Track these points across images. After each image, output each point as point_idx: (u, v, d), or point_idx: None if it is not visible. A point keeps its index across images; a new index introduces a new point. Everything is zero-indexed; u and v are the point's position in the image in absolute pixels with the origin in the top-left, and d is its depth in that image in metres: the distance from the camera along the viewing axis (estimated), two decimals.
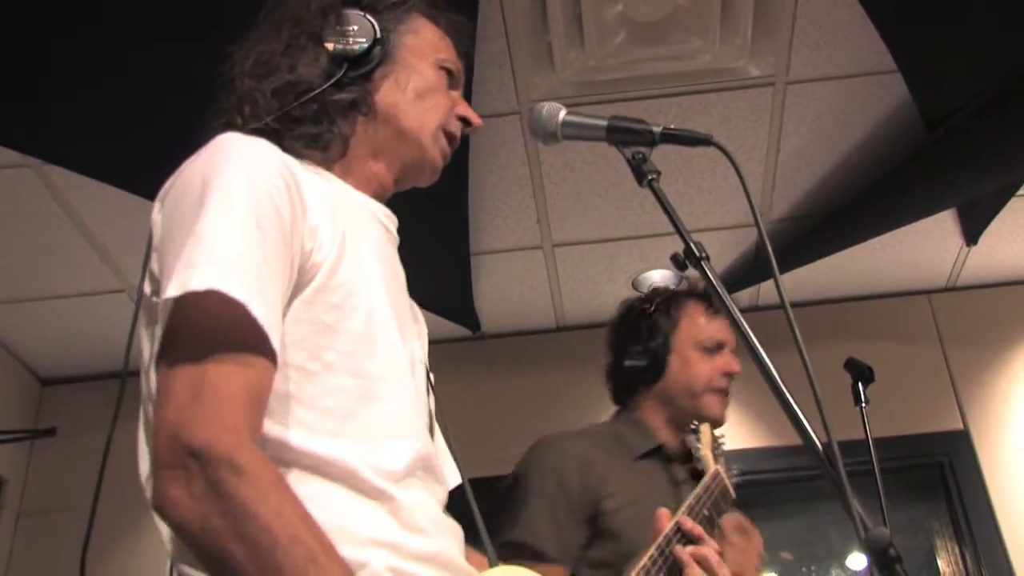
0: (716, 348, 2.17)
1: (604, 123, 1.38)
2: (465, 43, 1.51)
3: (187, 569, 1.02)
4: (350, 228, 1.21)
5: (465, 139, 1.50)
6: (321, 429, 1.08)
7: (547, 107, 1.44)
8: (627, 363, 2.18)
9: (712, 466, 1.91)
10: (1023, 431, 3.83)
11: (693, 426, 2.02)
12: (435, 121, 1.40)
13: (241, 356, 1.01)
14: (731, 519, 1.99)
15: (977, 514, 3.67)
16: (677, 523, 1.63)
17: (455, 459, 1.41)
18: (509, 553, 1.82)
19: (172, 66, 2.55)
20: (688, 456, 2.04)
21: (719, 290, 1.19)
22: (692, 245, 1.23)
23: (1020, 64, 2.79)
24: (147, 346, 1.11)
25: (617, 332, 2.26)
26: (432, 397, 1.35)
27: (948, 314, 4.10)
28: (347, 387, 1.12)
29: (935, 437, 3.84)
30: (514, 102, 3.01)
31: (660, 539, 1.61)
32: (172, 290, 1.00)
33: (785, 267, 3.72)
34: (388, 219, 1.37)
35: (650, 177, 1.31)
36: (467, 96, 1.72)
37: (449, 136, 1.43)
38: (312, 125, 1.31)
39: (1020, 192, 3.52)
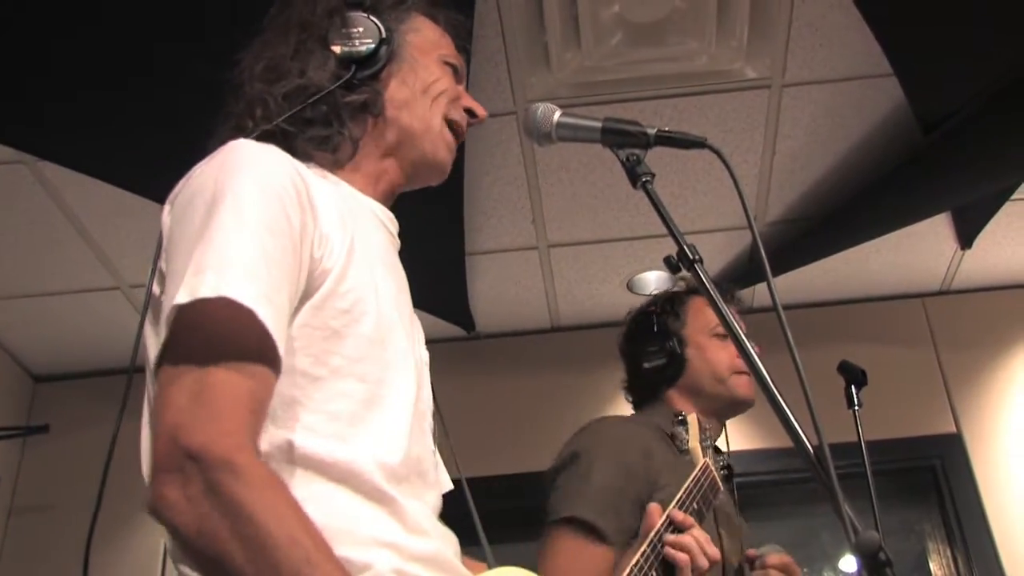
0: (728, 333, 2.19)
1: (599, 125, 1.38)
2: (463, 39, 1.52)
3: (187, 570, 1.02)
4: (358, 233, 1.22)
5: None
6: (326, 433, 1.08)
7: (542, 108, 1.44)
8: (646, 365, 2.18)
9: (701, 458, 1.90)
10: (1016, 435, 3.84)
11: (680, 417, 2.01)
12: (442, 113, 1.41)
13: (244, 361, 1.01)
14: (776, 557, 2.00)
15: (969, 517, 3.68)
16: (668, 516, 1.65)
17: (455, 460, 1.41)
18: (565, 529, 1.82)
19: (170, 66, 2.55)
20: (717, 450, 2.05)
21: (712, 293, 1.19)
22: (686, 247, 1.23)
23: (1015, 68, 2.80)
24: (153, 346, 1.11)
25: (629, 341, 2.27)
26: (434, 400, 1.35)
27: (942, 318, 4.11)
28: (353, 392, 1.12)
29: (928, 440, 3.85)
30: (510, 102, 3.01)
31: (652, 534, 1.62)
32: (182, 296, 1.00)
33: (779, 269, 3.73)
34: (391, 223, 1.38)
35: (644, 179, 1.31)
36: None
37: (456, 128, 1.44)
38: (323, 127, 1.32)
39: (1015, 196, 3.52)
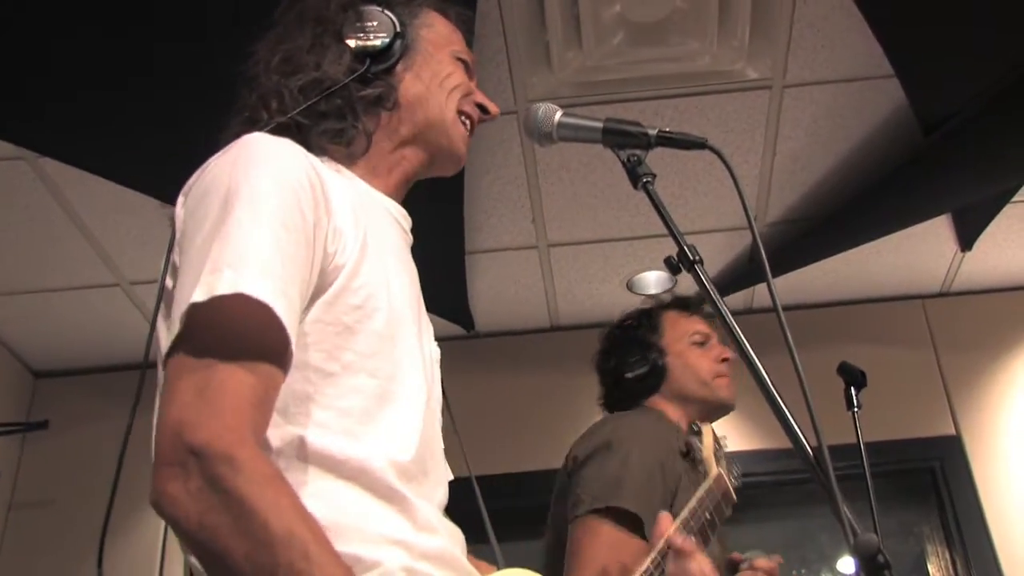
0: (705, 340, 2.25)
1: (600, 125, 1.39)
2: (469, 36, 1.53)
3: (195, 562, 1.02)
4: (371, 229, 1.22)
5: None
6: (338, 429, 1.08)
7: (543, 108, 1.44)
8: (628, 375, 2.22)
9: (714, 468, 1.90)
10: (1015, 437, 3.84)
11: (696, 428, 2.02)
12: (455, 107, 1.42)
13: (255, 357, 1.01)
14: (764, 561, 1.99)
15: (968, 519, 3.68)
16: (667, 541, 1.61)
17: (465, 459, 1.41)
18: (606, 519, 1.81)
19: (170, 63, 2.55)
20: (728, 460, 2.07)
21: (712, 293, 1.19)
22: (686, 248, 1.23)
23: (1016, 69, 2.80)
24: (165, 339, 1.11)
25: (608, 355, 2.31)
26: (445, 397, 1.36)
27: (942, 319, 4.11)
28: (365, 387, 1.12)
29: (927, 442, 3.85)
30: (511, 102, 3.01)
31: (655, 554, 1.59)
32: (199, 294, 0.99)
33: (779, 270, 3.73)
34: (404, 219, 1.38)
35: (645, 179, 1.31)
36: None
37: (468, 121, 1.45)
38: (337, 120, 1.33)
39: (1015, 198, 3.52)
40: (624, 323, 2.33)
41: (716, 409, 2.23)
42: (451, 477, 1.36)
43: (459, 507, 1.27)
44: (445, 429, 1.30)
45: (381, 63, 1.36)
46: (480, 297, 3.96)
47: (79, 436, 3.91)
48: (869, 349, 3.87)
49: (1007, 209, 3.58)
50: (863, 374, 2.36)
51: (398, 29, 1.38)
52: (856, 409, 2.33)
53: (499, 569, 1.33)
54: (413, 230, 1.40)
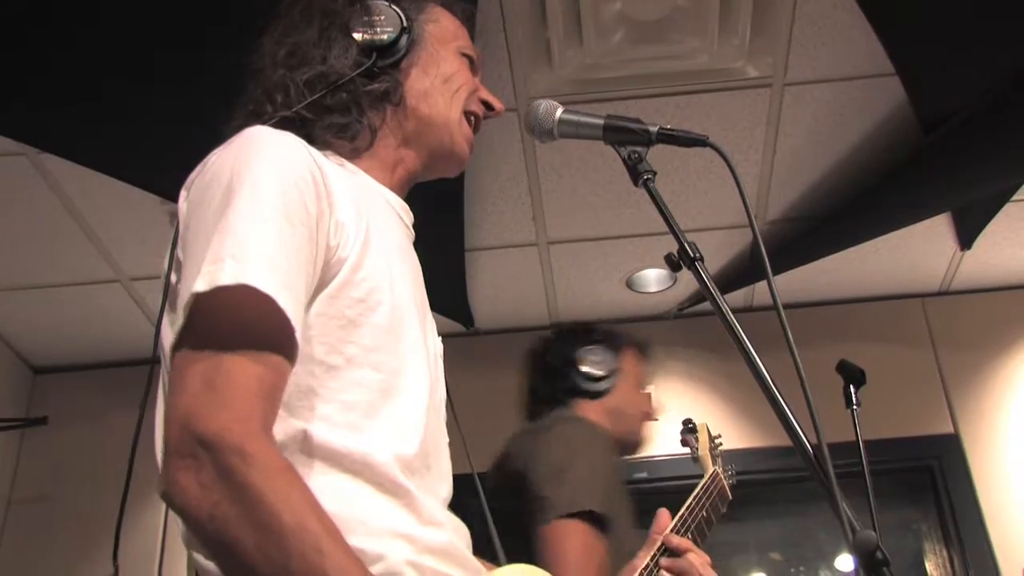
0: (647, 387, 2.38)
1: (600, 122, 1.38)
2: (471, 32, 1.53)
3: (200, 558, 1.02)
4: (373, 223, 1.21)
5: None
6: (341, 422, 1.08)
7: (544, 105, 1.44)
8: (584, 368, 2.25)
9: (710, 467, 1.91)
10: (1013, 436, 3.84)
11: (691, 424, 2.03)
12: (461, 107, 1.42)
13: (261, 348, 1.01)
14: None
15: (965, 517, 3.68)
16: (663, 543, 1.63)
17: (468, 456, 1.41)
18: (579, 523, 1.85)
19: (170, 60, 2.55)
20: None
21: (712, 290, 1.19)
22: (686, 245, 1.23)
23: (1017, 67, 2.79)
24: (170, 333, 1.11)
25: (562, 345, 2.36)
26: (448, 391, 1.36)
27: (941, 318, 4.11)
28: (369, 381, 1.12)
29: (925, 440, 3.85)
30: (512, 99, 3.01)
31: (654, 550, 1.60)
32: (200, 284, 0.99)
33: (779, 268, 3.73)
34: (406, 214, 1.38)
35: (645, 177, 1.31)
36: None
37: (473, 120, 1.45)
38: (342, 115, 1.33)
39: (1015, 197, 3.52)
40: (585, 330, 2.39)
41: (634, 445, 2.29)
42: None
43: (460, 503, 1.27)
44: (448, 425, 1.30)
45: (387, 58, 1.36)
46: (480, 294, 3.96)
47: (78, 432, 3.91)
48: (868, 347, 3.88)
49: (1007, 208, 3.58)
50: (862, 372, 2.35)
51: (405, 24, 1.37)
52: (855, 407, 2.33)
53: (500, 566, 1.33)
54: (414, 226, 1.40)
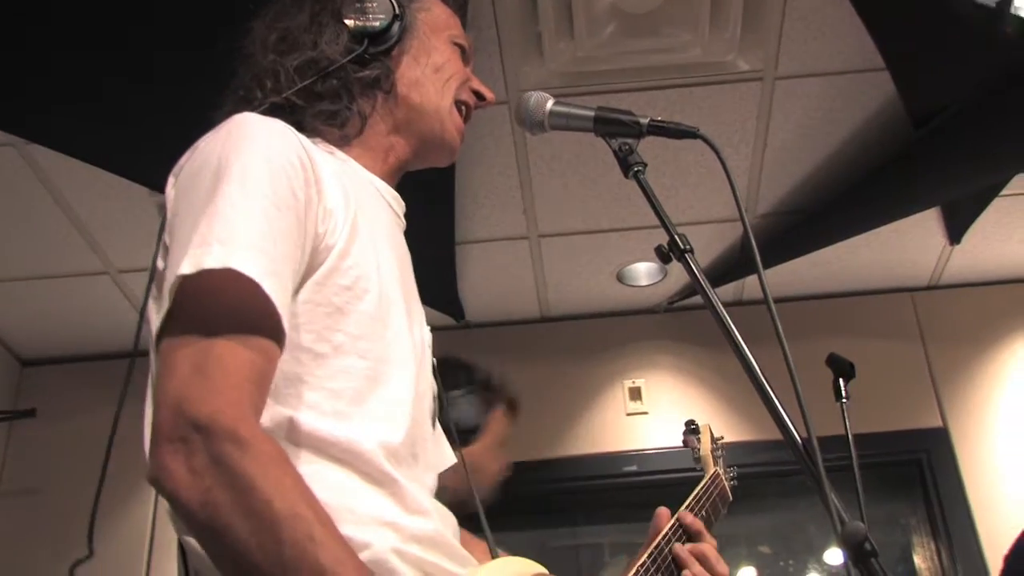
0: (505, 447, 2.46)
1: (591, 114, 1.38)
2: (463, 20, 1.53)
3: (193, 542, 1.01)
4: (362, 210, 1.21)
5: None
6: (328, 410, 1.08)
7: (535, 97, 1.43)
8: (452, 414, 2.33)
9: (711, 467, 1.90)
10: (1001, 430, 3.86)
11: (693, 426, 2.01)
12: (452, 96, 1.42)
13: (249, 333, 1.00)
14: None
15: (953, 511, 3.70)
16: (677, 519, 1.61)
17: (457, 446, 1.41)
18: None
19: (157, 51, 2.54)
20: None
21: (702, 283, 1.19)
22: (677, 237, 1.23)
23: (1007, 63, 2.80)
24: (156, 319, 1.10)
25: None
26: (437, 382, 1.35)
27: (930, 312, 4.13)
28: (356, 369, 1.12)
29: (914, 434, 3.87)
30: (503, 91, 3.00)
31: (659, 538, 1.59)
32: (186, 267, 0.99)
33: (769, 262, 3.73)
34: (396, 202, 1.38)
35: (636, 169, 1.31)
36: None
37: (464, 109, 1.45)
38: (332, 102, 1.32)
39: (1004, 192, 3.53)
40: (474, 370, 2.49)
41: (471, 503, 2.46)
42: (452, 456, 1.36)
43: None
44: (435, 414, 1.30)
45: (379, 45, 1.36)
46: (470, 287, 3.95)
47: (67, 424, 3.89)
48: (858, 341, 3.89)
49: (996, 203, 3.59)
50: (852, 365, 2.36)
51: (397, 11, 1.37)
52: (844, 400, 2.34)
53: (493, 558, 1.33)
54: (406, 216, 1.39)
